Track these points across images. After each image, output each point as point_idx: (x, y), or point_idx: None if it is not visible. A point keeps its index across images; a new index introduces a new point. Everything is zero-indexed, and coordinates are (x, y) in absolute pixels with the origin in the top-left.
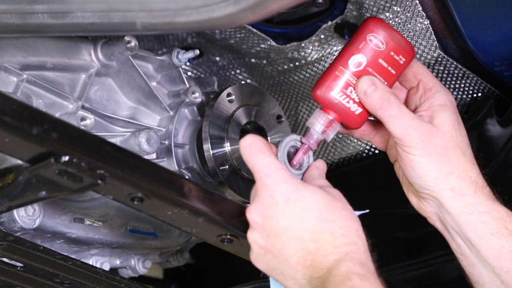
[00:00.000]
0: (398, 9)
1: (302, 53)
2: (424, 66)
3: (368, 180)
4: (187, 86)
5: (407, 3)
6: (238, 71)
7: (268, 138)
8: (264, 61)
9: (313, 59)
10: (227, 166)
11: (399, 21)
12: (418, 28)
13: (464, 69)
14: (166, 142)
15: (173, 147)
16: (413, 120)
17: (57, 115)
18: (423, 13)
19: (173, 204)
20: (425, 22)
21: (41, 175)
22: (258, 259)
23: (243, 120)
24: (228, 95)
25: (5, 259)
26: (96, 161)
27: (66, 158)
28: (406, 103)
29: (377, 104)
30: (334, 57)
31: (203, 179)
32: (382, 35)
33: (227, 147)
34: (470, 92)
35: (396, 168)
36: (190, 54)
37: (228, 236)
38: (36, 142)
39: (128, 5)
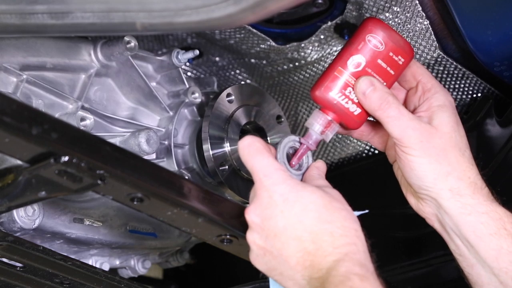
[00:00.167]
0: (398, 9)
1: (302, 54)
2: (423, 66)
3: (367, 180)
4: (187, 86)
5: (407, 3)
6: (238, 71)
7: (268, 138)
8: (264, 62)
9: (313, 59)
10: (227, 166)
11: (399, 21)
12: (417, 29)
13: (463, 69)
14: (166, 143)
15: (172, 148)
16: (412, 120)
17: (56, 115)
18: (423, 13)
19: (173, 205)
20: (425, 23)
21: (41, 175)
22: (258, 259)
23: (243, 121)
24: (228, 95)
25: (4, 259)
26: (95, 161)
27: (66, 158)
28: (405, 103)
29: (376, 105)
30: (334, 57)
31: (202, 179)
32: (381, 36)
33: (227, 147)
34: (470, 92)
35: (395, 169)
36: (190, 55)
37: (228, 236)
38: (35, 142)
39: (128, 6)
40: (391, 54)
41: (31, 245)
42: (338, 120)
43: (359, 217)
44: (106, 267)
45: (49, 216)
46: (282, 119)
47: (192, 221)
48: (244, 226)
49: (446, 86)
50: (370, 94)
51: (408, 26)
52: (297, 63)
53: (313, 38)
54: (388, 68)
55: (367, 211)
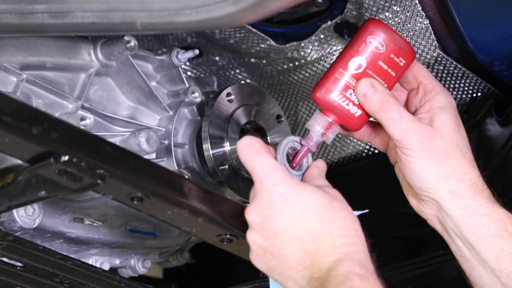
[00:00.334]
0: (398, 8)
1: (302, 53)
2: (425, 67)
3: (367, 180)
4: (187, 85)
5: (407, 2)
6: (237, 70)
7: (268, 137)
8: (264, 61)
9: (312, 59)
10: (227, 166)
11: (399, 21)
12: (417, 28)
13: (463, 68)
14: (166, 142)
15: (172, 147)
16: (413, 122)
17: (56, 115)
18: (423, 12)
19: (173, 204)
20: (425, 22)
21: (41, 175)
22: (258, 259)
23: (243, 120)
24: (228, 94)
25: (4, 259)
26: (95, 161)
27: (66, 157)
28: (406, 105)
29: (376, 107)
30: (334, 56)
31: (202, 178)
32: (382, 37)
33: (227, 146)
34: (470, 91)
35: (396, 170)
36: (190, 54)
37: (228, 236)
38: (35, 142)
39: (128, 5)
40: (392, 55)
41: (31, 245)
42: (339, 122)
43: (359, 216)
44: (106, 267)
45: (49, 215)
46: (282, 119)
47: (192, 221)
48: (244, 226)
49: (446, 86)
50: (371, 96)
51: (408, 25)
52: (297, 63)
53: (313, 38)
54: (389, 70)
55: (367, 210)
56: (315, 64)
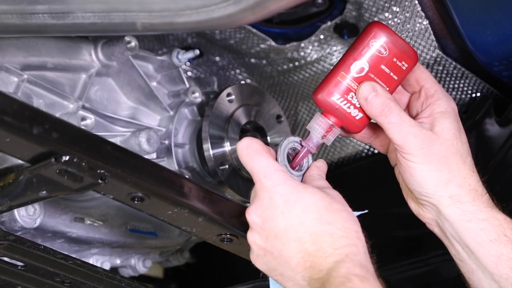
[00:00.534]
0: (397, 9)
1: (302, 53)
2: (427, 71)
3: (367, 180)
4: (187, 86)
5: (406, 3)
6: (238, 71)
7: (268, 137)
8: (264, 61)
9: (312, 59)
10: (227, 166)
11: (398, 21)
12: (417, 28)
13: (463, 69)
14: (166, 142)
15: (173, 147)
16: (413, 127)
17: (57, 115)
18: (422, 13)
19: (173, 204)
20: (424, 22)
21: (42, 174)
22: (258, 259)
23: (243, 120)
24: (228, 95)
25: (5, 259)
26: (96, 161)
27: (67, 157)
28: (408, 108)
29: (378, 111)
30: (334, 57)
31: (203, 178)
32: (385, 41)
33: (227, 146)
34: (469, 92)
35: (396, 172)
36: (190, 54)
37: (228, 236)
38: (36, 142)
39: (129, 6)
40: (394, 59)
41: (32, 244)
42: (339, 125)
43: (359, 217)
44: (107, 266)
45: (50, 215)
46: (282, 119)
47: (192, 221)
48: (244, 226)
49: (446, 86)
50: (372, 99)
51: (408, 26)
52: (297, 63)
53: (313, 38)
54: (391, 74)
55: (366, 211)
56: (315, 64)
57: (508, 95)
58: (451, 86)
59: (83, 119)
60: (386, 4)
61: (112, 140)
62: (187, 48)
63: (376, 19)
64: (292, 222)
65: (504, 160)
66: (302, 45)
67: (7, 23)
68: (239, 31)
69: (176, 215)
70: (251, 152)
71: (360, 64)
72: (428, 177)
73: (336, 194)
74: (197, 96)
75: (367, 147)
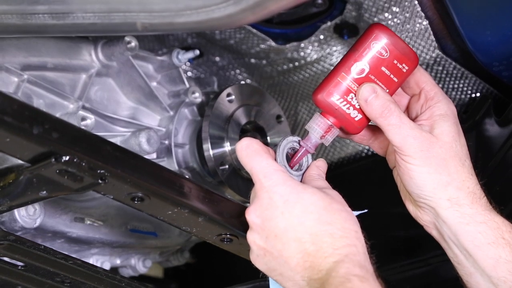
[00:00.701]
0: (397, 9)
1: (302, 54)
2: (428, 73)
3: (367, 180)
4: (187, 86)
5: (406, 3)
6: (238, 71)
7: (268, 138)
8: (264, 61)
9: (312, 59)
10: (227, 166)
11: (398, 21)
12: (417, 29)
13: (462, 69)
14: (166, 142)
15: (173, 147)
16: (413, 129)
17: (57, 115)
18: (422, 13)
19: (173, 204)
20: (424, 23)
21: (42, 174)
22: (258, 259)
23: (243, 120)
24: (228, 95)
25: (6, 259)
26: (96, 161)
27: (67, 157)
28: (407, 110)
29: (377, 112)
30: (334, 57)
31: (203, 178)
32: (386, 43)
33: (227, 147)
34: (469, 92)
35: (394, 175)
36: (190, 54)
37: (228, 236)
38: (36, 142)
39: (129, 6)
40: (395, 61)
41: (32, 244)
42: (338, 125)
43: (359, 216)
44: (107, 266)
45: (50, 215)
46: (282, 119)
47: (192, 221)
48: (244, 226)
49: (445, 86)
50: (372, 101)
51: (407, 26)
52: (297, 63)
53: (312, 38)
54: (392, 76)
55: (366, 210)
56: (315, 64)
57: (508, 95)
58: (451, 86)
59: (83, 119)
60: (386, 5)
61: (112, 140)
62: (187, 48)
63: (376, 19)
64: (291, 222)
65: (504, 160)
66: (302, 45)
67: (8, 23)
68: (239, 31)
69: (176, 215)
70: (250, 153)
71: (361, 65)
72: (427, 179)
73: (335, 194)
74: (197, 96)
75: (367, 147)
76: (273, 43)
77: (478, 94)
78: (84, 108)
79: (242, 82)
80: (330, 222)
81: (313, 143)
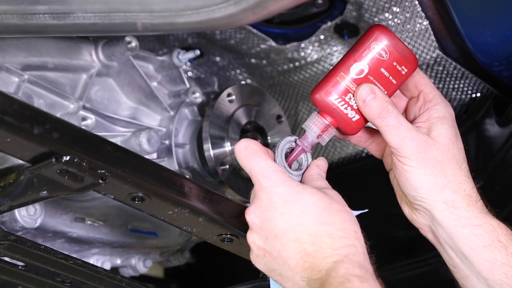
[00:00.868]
0: (398, 9)
1: (302, 54)
2: (427, 76)
3: (367, 180)
4: (188, 86)
5: (406, 3)
6: (238, 71)
7: (268, 138)
8: (264, 61)
9: (312, 59)
10: (227, 166)
11: (398, 21)
12: (417, 29)
13: (463, 69)
14: (167, 142)
15: (173, 147)
16: (411, 131)
17: (58, 115)
18: (422, 13)
19: (174, 204)
20: (424, 23)
21: (42, 174)
22: (258, 260)
23: (243, 120)
24: (228, 95)
25: (6, 258)
26: (97, 161)
27: (67, 158)
28: (406, 112)
29: (375, 113)
30: (334, 57)
31: (203, 178)
32: (386, 44)
33: (227, 147)
34: (469, 92)
35: (391, 177)
36: (191, 55)
37: (228, 236)
38: (37, 142)
39: (129, 6)
40: (394, 63)
41: (33, 244)
42: (335, 125)
43: (359, 217)
44: (107, 266)
45: (50, 215)
46: (282, 119)
47: (193, 221)
48: (244, 226)
49: (446, 86)
50: (370, 102)
51: (408, 26)
52: (297, 63)
53: (313, 38)
54: (391, 77)
55: (366, 210)
56: (315, 64)
57: (508, 95)
58: (451, 86)
59: (84, 119)
60: (386, 5)
61: (113, 140)
62: (187, 48)
63: (376, 19)
64: (291, 223)
65: (504, 160)
66: (303, 45)
67: (8, 24)
68: (240, 31)
69: (176, 215)
70: (249, 154)
71: (360, 66)
72: (424, 181)
73: (335, 194)
74: (198, 96)
75: None
76: (273, 43)
77: (478, 94)
78: (84, 108)
79: (243, 82)
80: (329, 223)
81: (310, 142)
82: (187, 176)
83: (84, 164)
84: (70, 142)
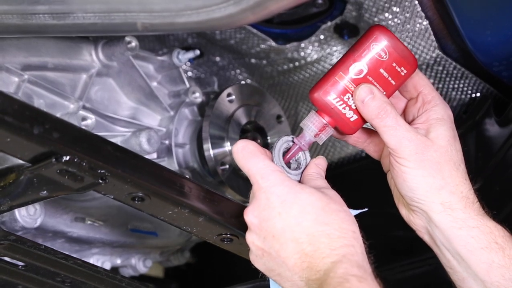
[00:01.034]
0: (397, 9)
1: (302, 54)
2: (426, 77)
3: (367, 180)
4: (188, 86)
5: (406, 3)
6: (238, 71)
7: (268, 138)
8: (264, 61)
9: (312, 59)
10: (227, 166)
11: (398, 21)
12: (417, 29)
13: (463, 69)
14: (167, 142)
15: (173, 147)
16: (409, 132)
17: (58, 115)
18: (422, 13)
19: (174, 204)
20: (424, 23)
21: (42, 174)
22: (257, 260)
23: (243, 120)
24: (228, 95)
25: (6, 258)
26: (97, 161)
27: (67, 157)
28: (404, 113)
29: (374, 113)
30: (334, 57)
31: (203, 178)
32: (386, 45)
33: (227, 147)
34: (469, 92)
35: (388, 178)
36: (191, 55)
37: (228, 235)
38: (37, 142)
39: (129, 6)
40: (394, 64)
41: (33, 244)
42: (333, 124)
43: (359, 216)
44: (107, 266)
45: (50, 215)
46: (282, 119)
47: (193, 220)
48: (244, 226)
49: (445, 86)
50: (369, 102)
51: (408, 26)
52: (297, 63)
53: (313, 38)
54: (390, 78)
55: (366, 209)
56: (315, 64)
57: (508, 95)
58: (451, 86)
59: (84, 119)
60: (386, 5)
61: (113, 140)
62: (187, 48)
63: (376, 19)
64: (289, 223)
65: (503, 160)
66: (302, 45)
67: (8, 24)
68: (240, 31)
69: (176, 215)
70: (246, 154)
71: (359, 66)
72: (421, 182)
73: (334, 194)
74: (198, 96)
75: None
76: (273, 43)
77: (478, 94)
78: (84, 108)
79: (243, 82)
80: (327, 223)
81: (307, 141)
82: (187, 176)
83: (84, 164)
84: (70, 142)
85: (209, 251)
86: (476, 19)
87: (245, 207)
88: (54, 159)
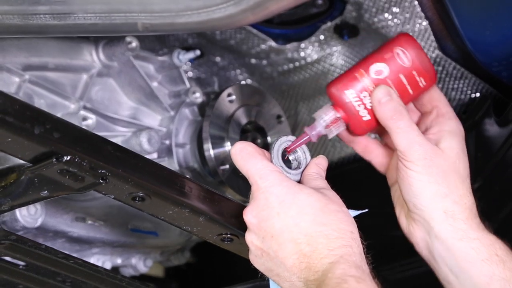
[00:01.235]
0: (397, 10)
1: (302, 54)
2: (442, 93)
3: (367, 180)
4: (188, 86)
5: (406, 4)
6: (238, 71)
7: (269, 138)
8: (264, 62)
9: (312, 59)
10: (228, 166)
11: (398, 22)
12: (417, 29)
13: (462, 69)
14: (167, 142)
15: (174, 147)
16: (420, 136)
17: (58, 115)
18: (422, 14)
19: (174, 204)
20: (424, 23)
21: (43, 174)
22: (256, 260)
23: (244, 120)
24: (229, 95)
25: (7, 258)
26: (97, 161)
27: (68, 157)
28: (417, 124)
29: (389, 114)
30: (334, 57)
31: (203, 178)
32: (410, 52)
33: (228, 146)
34: (469, 92)
35: (392, 192)
36: (191, 55)
37: (229, 235)
38: (38, 142)
39: (130, 6)
40: (414, 73)
41: (34, 244)
42: (346, 120)
43: (358, 217)
44: (108, 266)
45: (51, 215)
46: (282, 119)
47: (193, 220)
48: (244, 225)
49: (445, 86)
50: (386, 103)
51: (407, 26)
52: (297, 63)
53: (313, 39)
54: (408, 86)
55: (366, 210)
56: (315, 64)
57: (508, 95)
58: (450, 86)
59: (84, 119)
60: (386, 5)
61: (113, 140)
62: (187, 49)
63: (376, 19)
64: (287, 223)
65: (503, 160)
66: (302, 45)
67: (9, 24)
68: (240, 31)
69: (177, 215)
70: (245, 156)
71: (381, 67)
72: (426, 188)
73: (333, 194)
74: (198, 96)
75: None
76: (273, 44)
77: (478, 94)
78: (85, 108)
79: (243, 82)
80: (325, 223)
81: (317, 132)
82: (188, 176)
83: (84, 164)
84: (71, 142)
85: (209, 251)
86: (476, 20)
87: (245, 207)
88: (54, 159)
